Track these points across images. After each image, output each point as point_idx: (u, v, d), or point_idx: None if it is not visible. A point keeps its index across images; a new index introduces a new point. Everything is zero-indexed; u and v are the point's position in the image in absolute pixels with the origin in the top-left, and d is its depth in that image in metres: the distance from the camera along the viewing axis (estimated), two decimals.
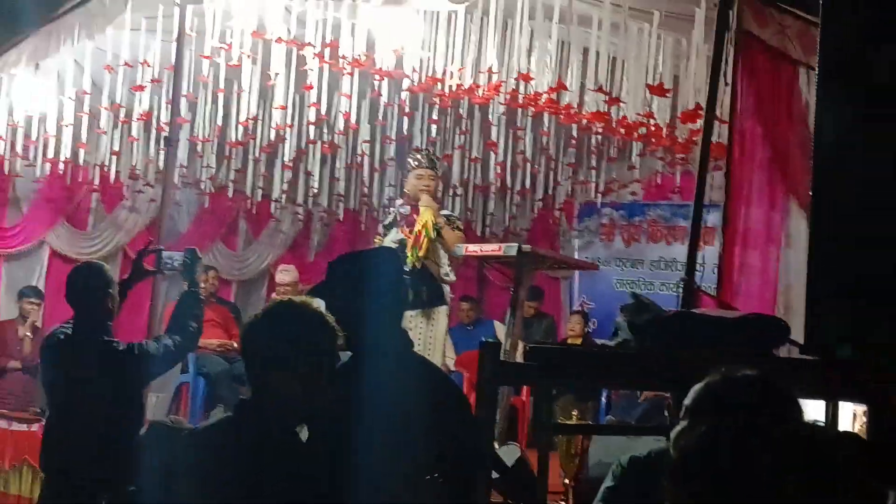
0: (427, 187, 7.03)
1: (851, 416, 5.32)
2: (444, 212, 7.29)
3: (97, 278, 4.83)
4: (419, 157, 7.26)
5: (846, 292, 3.55)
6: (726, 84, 5.44)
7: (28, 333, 9.06)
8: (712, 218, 7.02)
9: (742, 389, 1.76)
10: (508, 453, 5.51)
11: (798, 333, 3.54)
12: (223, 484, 2.56)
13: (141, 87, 7.61)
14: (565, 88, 7.06)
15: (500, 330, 9.16)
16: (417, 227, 6.87)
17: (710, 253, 6.35)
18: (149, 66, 7.51)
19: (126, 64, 7.54)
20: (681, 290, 5.08)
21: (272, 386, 2.64)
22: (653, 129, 7.69)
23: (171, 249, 10.04)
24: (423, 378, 3.10)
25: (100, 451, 4.57)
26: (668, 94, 7.01)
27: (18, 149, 8.70)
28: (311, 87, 7.65)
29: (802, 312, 3.69)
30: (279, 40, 7.19)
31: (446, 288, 6.97)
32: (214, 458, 2.63)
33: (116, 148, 8.81)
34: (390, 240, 7.03)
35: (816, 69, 3.71)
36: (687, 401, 1.63)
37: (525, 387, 7.83)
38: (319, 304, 2.88)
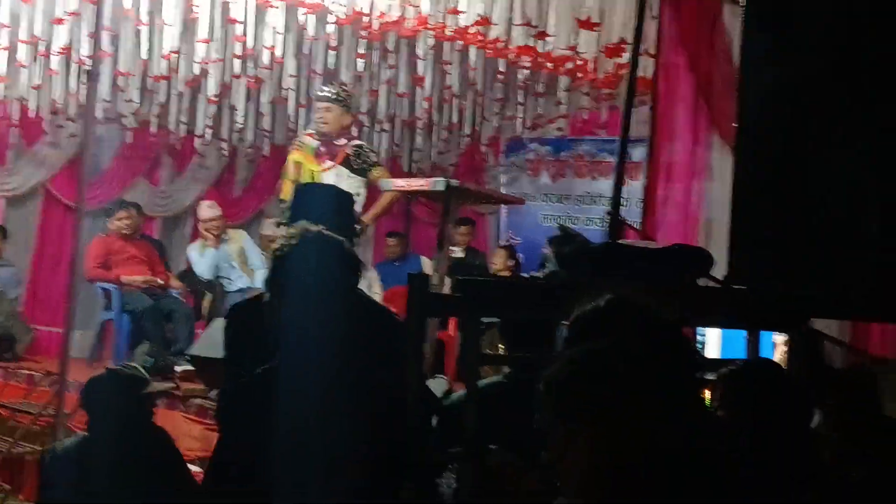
0: (322, 119, 6.88)
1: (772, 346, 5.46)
2: (355, 142, 7.09)
3: None
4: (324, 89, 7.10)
5: (769, 226, 3.61)
6: (653, 17, 5.45)
7: None
8: (638, 153, 7.08)
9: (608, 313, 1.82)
10: (437, 386, 5.56)
11: (719, 266, 3.60)
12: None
13: (60, 21, 7.40)
14: (490, 23, 7.02)
15: (427, 265, 9.17)
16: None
17: (635, 188, 6.41)
18: None
19: None
20: (606, 223, 5.12)
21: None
22: (579, 63, 7.70)
23: (94, 185, 9.91)
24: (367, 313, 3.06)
25: None
26: (596, 29, 7.00)
27: None
28: (235, 21, 7.51)
29: (724, 244, 3.75)
30: None
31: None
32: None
33: (36, 82, 8.60)
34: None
35: (741, 2, 3.73)
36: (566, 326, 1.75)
37: (451, 321, 7.89)
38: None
